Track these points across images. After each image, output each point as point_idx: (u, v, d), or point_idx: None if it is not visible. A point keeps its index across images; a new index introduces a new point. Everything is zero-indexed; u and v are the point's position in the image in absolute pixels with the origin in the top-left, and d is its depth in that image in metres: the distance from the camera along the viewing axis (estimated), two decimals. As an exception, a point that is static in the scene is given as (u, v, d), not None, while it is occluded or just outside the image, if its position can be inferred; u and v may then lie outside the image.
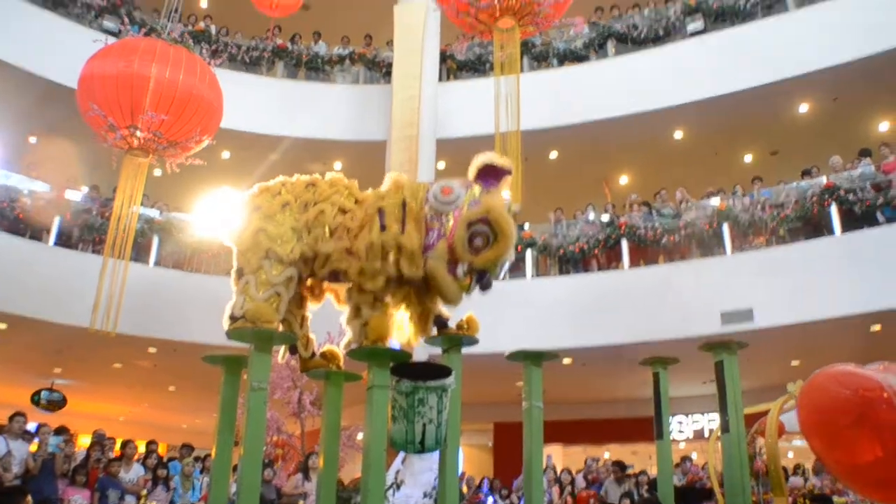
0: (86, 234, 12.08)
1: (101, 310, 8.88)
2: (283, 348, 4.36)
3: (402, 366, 3.92)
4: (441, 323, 4.22)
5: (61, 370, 15.21)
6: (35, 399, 15.25)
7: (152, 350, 12.89)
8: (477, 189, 3.88)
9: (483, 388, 11.90)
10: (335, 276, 4.09)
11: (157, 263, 12.40)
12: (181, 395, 17.04)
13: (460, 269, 3.78)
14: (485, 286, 3.83)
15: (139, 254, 11.56)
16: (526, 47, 13.87)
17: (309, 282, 4.26)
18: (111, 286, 9.07)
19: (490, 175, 3.91)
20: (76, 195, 12.73)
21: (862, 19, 12.01)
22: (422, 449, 3.95)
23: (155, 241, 12.45)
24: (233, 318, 3.84)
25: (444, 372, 3.97)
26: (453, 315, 4.27)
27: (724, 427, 5.39)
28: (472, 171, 3.95)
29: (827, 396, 3.54)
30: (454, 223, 3.79)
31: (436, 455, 10.29)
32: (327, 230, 3.99)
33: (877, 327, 10.59)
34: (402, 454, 9.85)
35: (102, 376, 15.33)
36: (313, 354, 4.42)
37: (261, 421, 3.74)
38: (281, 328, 4.03)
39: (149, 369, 14.41)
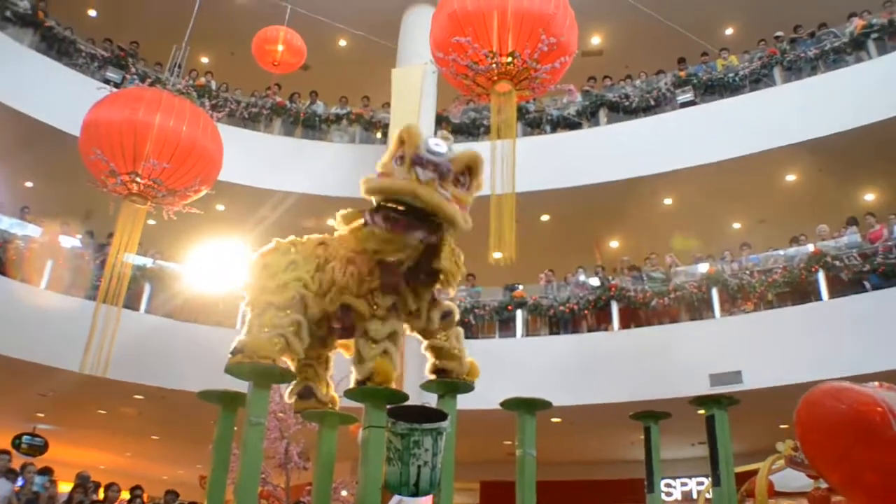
0: (78, 279, 12.10)
1: (91, 354, 8.86)
2: (288, 388, 4.37)
3: (398, 408, 3.95)
4: (439, 370, 4.28)
5: (44, 415, 15.04)
6: (16, 443, 15.02)
7: (139, 397, 12.79)
8: None
9: (471, 445, 11.80)
10: (344, 331, 4.16)
11: (147, 311, 12.41)
12: (165, 444, 16.84)
13: None
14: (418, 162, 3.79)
15: (130, 301, 11.55)
16: (520, 113, 14.17)
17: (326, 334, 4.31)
18: (102, 332, 9.07)
19: None
20: (70, 241, 12.78)
21: (846, 95, 12.45)
22: (416, 491, 3.95)
23: (147, 288, 12.48)
24: (233, 353, 3.87)
25: (439, 416, 4.00)
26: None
27: (716, 481, 5.40)
28: None
29: (823, 411, 3.60)
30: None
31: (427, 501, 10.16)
32: (337, 286, 4.00)
33: (863, 392, 10.66)
34: (393, 501, 9.77)
35: (86, 422, 15.15)
36: (313, 397, 4.43)
37: (257, 456, 3.74)
38: (293, 367, 4.06)
39: (134, 417, 14.27)
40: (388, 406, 3.89)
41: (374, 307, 3.99)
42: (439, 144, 3.86)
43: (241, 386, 4.01)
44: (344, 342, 4.34)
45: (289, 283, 3.98)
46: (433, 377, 4.34)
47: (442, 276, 4.12)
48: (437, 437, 3.91)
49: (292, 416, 10.28)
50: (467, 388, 4.37)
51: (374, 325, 4.01)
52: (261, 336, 3.82)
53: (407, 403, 4.01)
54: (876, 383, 3.72)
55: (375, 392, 3.83)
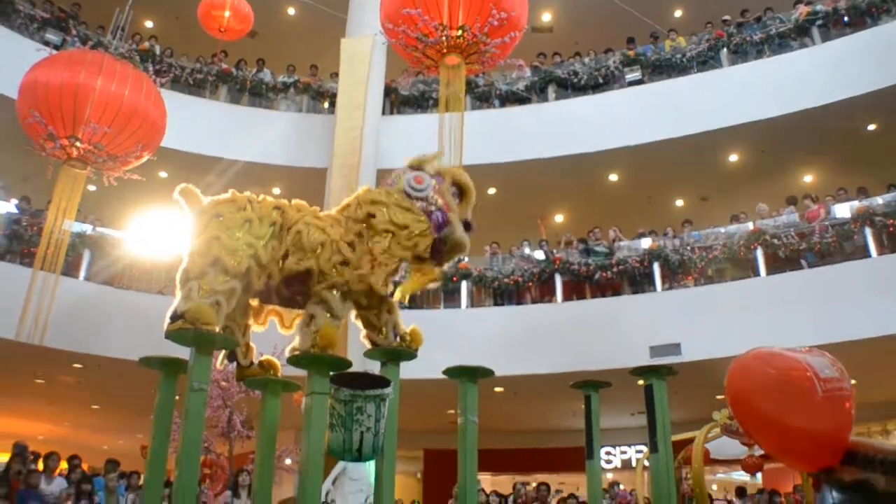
0: (14, 245, 11.80)
1: (28, 321, 8.68)
2: (221, 354, 4.37)
3: (341, 375, 3.97)
4: (392, 335, 4.36)
5: (-22, 385, 14.70)
6: (-52, 415, 14.69)
7: (77, 366, 12.53)
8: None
9: (414, 414, 11.86)
10: (290, 300, 4.22)
11: (87, 278, 12.17)
12: (104, 414, 16.58)
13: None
14: (468, 228, 4.51)
15: (69, 268, 11.30)
16: (469, 87, 14.15)
17: (255, 302, 4.32)
18: (39, 299, 8.89)
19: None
20: (6, 206, 12.45)
21: (789, 79, 12.74)
22: (359, 457, 3.99)
23: (86, 255, 12.23)
24: (173, 318, 3.83)
25: (382, 382, 4.04)
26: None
27: (653, 448, 5.54)
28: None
29: (753, 376, 3.73)
30: (442, 200, 4.37)
31: (366, 476, 10.25)
32: (307, 250, 4.06)
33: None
34: (333, 474, 9.80)
35: (23, 392, 14.81)
36: (251, 363, 4.44)
37: (200, 422, 3.73)
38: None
39: (72, 386, 14.01)
40: (332, 373, 3.92)
41: (344, 284, 4.07)
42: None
43: (182, 352, 4.00)
44: (277, 310, 4.37)
45: (239, 248, 3.96)
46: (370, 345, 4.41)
47: None
48: (379, 403, 3.95)
49: (235, 385, 10.23)
50: (410, 355, 4.42)
51: (334, 300, 4.06)
52: (201, 301, 3.79)
53: (350, 370, 4.04)
54: (804, 348, 3.86)
55: (319, 359, 3.85)
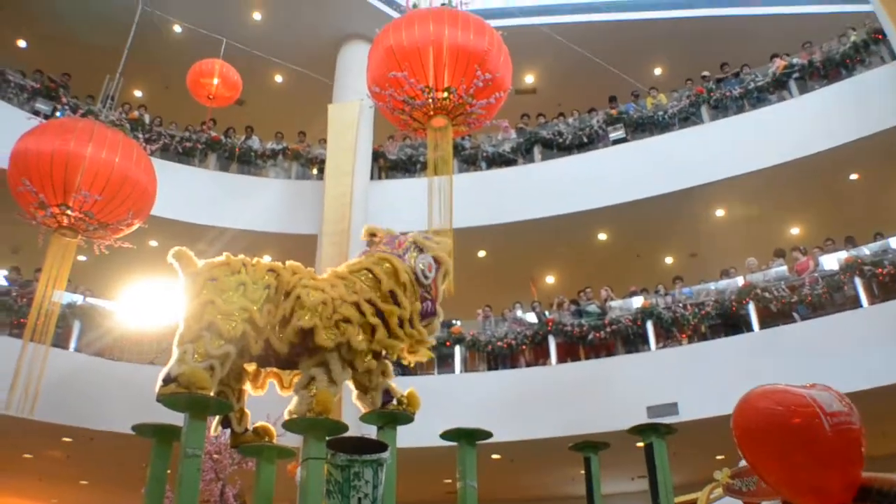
0: (4, 316, 11.70)
1: (18, 394, 8.54)
2: (215, 421, 4.30)
3: (338, 440, 3.90)
4: (388, 398, 4.29)
5: (-35, 461, 14.40)
6: (-65, 495, 14.34)
7: (67, 439, 12.31)
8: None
9: (410, 485, 11.70)
10: (288, 362, 4.18)
11: (77, 350, 12.04)
12: (94, 490, 16.20)
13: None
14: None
15: (59, 339, 11.19)
16: (456, 150, 14.31)
17: (252, 367, 4.28)
18: (29, 370, 8.77)
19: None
20: (-5, 276, 12.41)
21: (770, 132, 12.94)
22: (356, 525, 3.90)
23: (76, 326, 12.13)
24: (165, 381, 3.78)
25: (379, 447, 3.97)
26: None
27: (655, 508, 5.44)
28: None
29: (759, 415, 3.68)
30: (434, 288, 4.42)
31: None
32: (308, 309, 4.03)
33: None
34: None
35: (10, 467, 14.49)
36: (246, 430, 4.36)
37: (194, 489, 3.64)
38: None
39: (61, 461, 13.72)
40: (327, 438, 3.85)
41: (344, 348, 4.04)
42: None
43: (175, 419, 3.92)
44: (276, 372, 4.34)
45: (234, 312, 3.94)
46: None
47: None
48: (377, 468, 3.87)
49: (227, 457, 10.04)
50: (407, 419, 4.35)
51: (336, 365, 4.02)
52: (196, 365, 3.75)
53: (346, 435, 3.97)
54: (808, 384, 3.82)
55: (315, 423, 3.78)
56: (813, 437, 3.42)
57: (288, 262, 4.32)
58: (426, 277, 4.32)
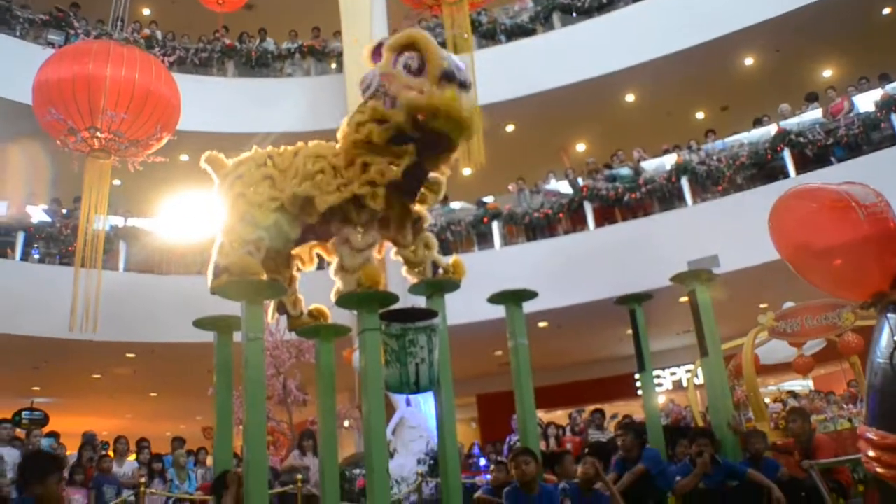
0: (51, 247, 12.01)
1: (78, 316, 8.87)
2: (271, 308, 4.46)
3: (389, 312, 4.04)
4: (435, 270, 4.39)
5: (40, 388, 15.09)
6: (16, 420, 15.05)
7: (130, 355, 12.84)
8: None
9: (463, 361, 11.99)
10: (326, 233, 4.24)
11: (126, 269, 12.38)
12: (163, 400, 16.97)
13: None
14: (451, 78, 3.75)
15: (107, 261, 11.49)
16: (474, 26, 14.00)
17: (296, 249, 4.40)
18: (86, 294, 9.07)
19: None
20: (37, 210, 12.65)
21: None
22: (417, 389, 4.07)
23: (122, 247, 12.43)
24: (216, 274, 3.92)
25: (429, 314, 4.11)
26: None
27: (703, 352, 5.59)
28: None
29: (796, 211, 3.76)
30: (395, 83, 3.86)
31: (425, 422, 10.40)
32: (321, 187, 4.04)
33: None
34: (391, 424, 9.95)
35: (82, 389, 15.22)
36: (301, 313, 4.53)
37: (260, 370, 3.83)
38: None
39: (129, 376, 14.34)
40: (380, 311, 3.98)
41: (357, 216, 4.06)
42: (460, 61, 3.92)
43: (232, 309, 4.08)
44: (322, 245, 4.43)
45: (263, 203, 4.03)
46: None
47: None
48: (430, 334, 4.02)
49: (285, 352, 10.41)
50: (454, 286, 4.47)
51: (354, 236, 4.09)
52: (241, 253, 3.88)
53: (395, 307, 4.10)
54: (842, 182, 3.86)
55: (367, 296, 3.90)
56: (848, 227, 3.47)
57: (312, 142, 4.31)
58: (365, 92, 4.03)
